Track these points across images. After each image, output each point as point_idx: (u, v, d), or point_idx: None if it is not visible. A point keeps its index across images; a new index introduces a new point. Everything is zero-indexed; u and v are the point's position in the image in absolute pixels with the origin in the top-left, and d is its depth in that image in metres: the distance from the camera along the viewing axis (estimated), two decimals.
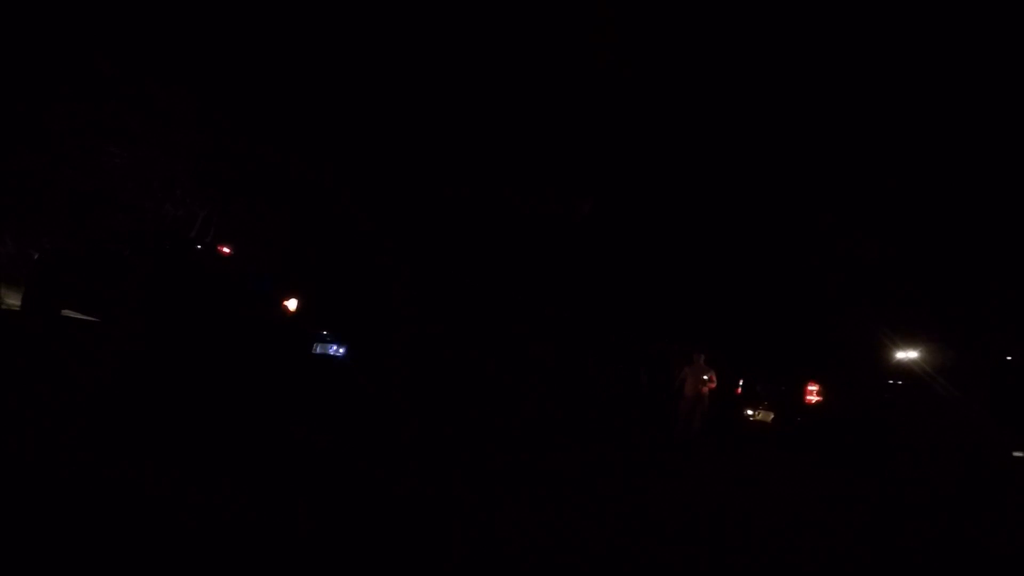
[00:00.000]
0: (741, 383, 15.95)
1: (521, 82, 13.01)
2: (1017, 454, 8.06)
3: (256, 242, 12.28)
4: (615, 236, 15.17)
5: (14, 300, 8.65)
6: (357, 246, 13.65)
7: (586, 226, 14.68)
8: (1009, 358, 9.81)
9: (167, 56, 12.11)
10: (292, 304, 8.37)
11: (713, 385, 10.72)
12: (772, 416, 14.82)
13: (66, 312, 8.11)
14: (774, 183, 14.82)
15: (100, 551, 2.28)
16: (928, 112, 13.45)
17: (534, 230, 14.31)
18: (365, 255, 13.53)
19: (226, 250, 9.46)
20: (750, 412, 15.46)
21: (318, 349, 8.51)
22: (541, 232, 14.33)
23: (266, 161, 13.18)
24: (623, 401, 14.30)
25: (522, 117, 13.43)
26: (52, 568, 2.12)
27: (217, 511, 2.93)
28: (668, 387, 11.82)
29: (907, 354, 10.40)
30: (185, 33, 12.06)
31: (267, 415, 5.76)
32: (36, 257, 8.13)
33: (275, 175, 13.37)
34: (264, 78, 12.79)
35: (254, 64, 12.58)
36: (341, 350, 8.74)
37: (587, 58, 12.59)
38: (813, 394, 11.67)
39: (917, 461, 7.99)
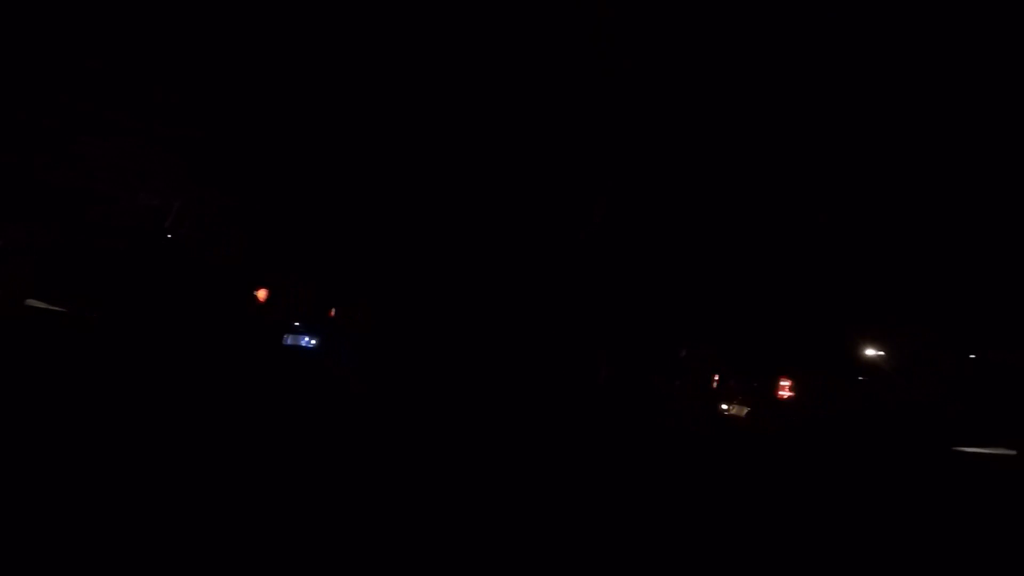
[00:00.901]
0: (716, 378, 16.12)
1: (523, 84, 12.92)
2: (976, 450, 8.25)
3: (230, 233, 12.19)
4: (624, 239, 15.03)
5: None
6: (336, 241, 13.59)
7: (600, 230, 14.58)
8: (973, 356, 10.02)
9: (146, 46, 11.95)
10: (262, 295, 8.36)
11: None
12: (746, 411, 15.00)
13: (30, 302, 8.00)
14: (758, 184, 14.92)
15: (89, 551, 2.27)
16: (922, 111, 13.54)
17: (546, 234, 14.18)
18: (345, 249, 13.47)
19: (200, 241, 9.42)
20: (724, 406, 15.63)
21: (289, 340, 8.51)
22: (554, 235, 14.20)
23: (239, 152, 13.08)
24: (629, 399, 14.21)
25: (529, 121, 13.35)
26: (41, 568, 2.11)
27: (201, 507, 2.91)
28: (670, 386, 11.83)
29: (876, 352, 10.59)
30: (164, 23, 11.91)
31: (239, 405, 5.74)
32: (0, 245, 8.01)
33: (249, 167, 13.27)
34: (245, 68, 12.67)
35: (235, 54, 12.45)
36: (313, 341, 8.75)
37: (586, 50, 12.53)
38: (785, 389, 11.86)
39: (868, 455, 8.13)
